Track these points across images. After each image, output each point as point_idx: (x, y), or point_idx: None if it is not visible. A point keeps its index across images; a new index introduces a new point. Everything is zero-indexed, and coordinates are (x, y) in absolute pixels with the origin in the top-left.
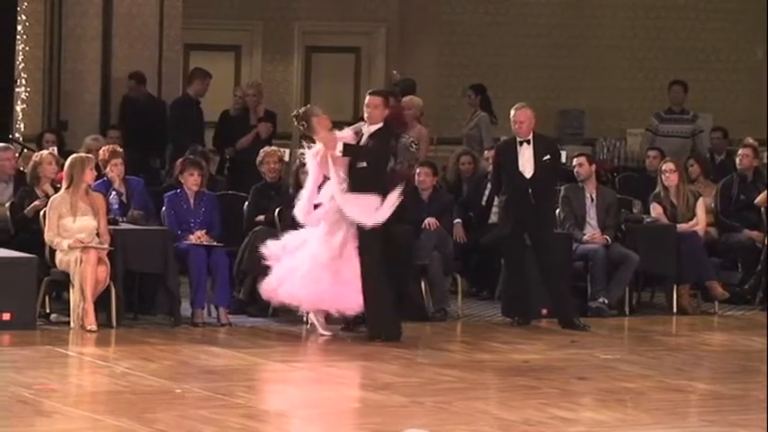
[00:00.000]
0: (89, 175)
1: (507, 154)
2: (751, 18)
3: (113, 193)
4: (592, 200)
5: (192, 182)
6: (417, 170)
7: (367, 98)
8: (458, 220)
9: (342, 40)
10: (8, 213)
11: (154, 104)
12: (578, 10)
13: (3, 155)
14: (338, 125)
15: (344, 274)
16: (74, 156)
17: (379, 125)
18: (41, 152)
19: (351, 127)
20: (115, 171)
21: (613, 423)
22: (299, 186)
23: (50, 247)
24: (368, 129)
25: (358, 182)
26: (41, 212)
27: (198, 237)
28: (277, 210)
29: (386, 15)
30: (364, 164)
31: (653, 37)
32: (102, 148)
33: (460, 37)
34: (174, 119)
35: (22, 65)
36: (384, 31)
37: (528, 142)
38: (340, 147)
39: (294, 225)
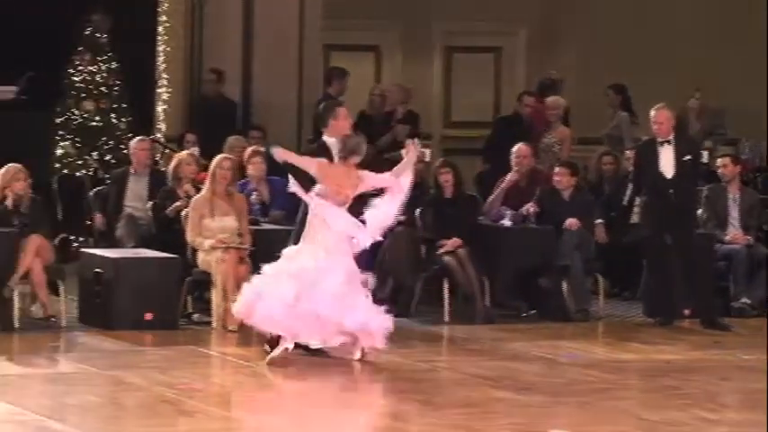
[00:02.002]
0: (227, 175)
1: (648, 154)
2: None
3: (254, 193)
4: (734, 200)
5: None
6: (555, 170)
7: (339, 109)
8: (600, 221)
9: (482, 40)
10: (150, 213)
11: (226, 104)
12: (721, 9)
13: (139, 145)
14: (477, 126)
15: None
16: (219, 156)
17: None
18: (182, 152)
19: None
20: (256, 171)
21: (757, 425)
22: (439, 187)
23: (192, 248)
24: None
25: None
26: (183, 213)
27: None
28: (418, 210)
29: (527, 15)
30: None
31: None
32: (249, 149)
33: (602, 36)
34: (317, 121)
35: (164, 65)
36: (525, 30)
37: (668, 142)
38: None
39: (435, 226)
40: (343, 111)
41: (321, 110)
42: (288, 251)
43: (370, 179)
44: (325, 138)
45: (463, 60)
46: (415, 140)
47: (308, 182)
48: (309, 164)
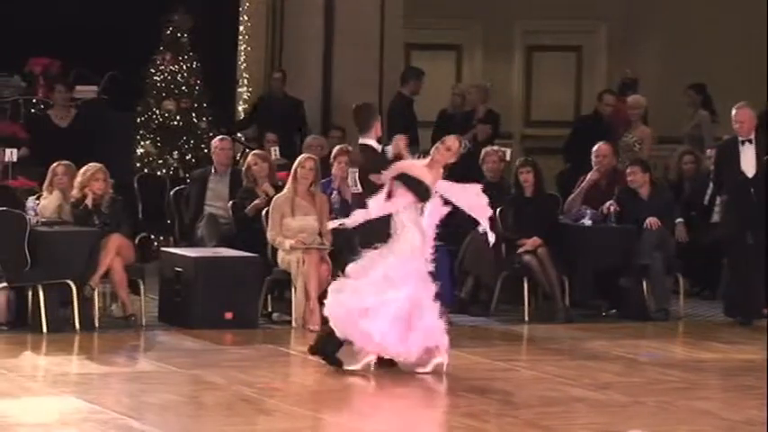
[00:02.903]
0: (309, 175)
1: (728, 153)
2: None
3: (335, 192)
4: None
5: None
6: (628, 170)
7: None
8: (680, 220)
9: (562, 39)
10: (231, 213)
11: (292, 103)
12: None
13: (220, 144)
14: (558, 125)
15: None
16: (302, 155)
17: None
18: (253, 152)
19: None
20: (340, 170)
21: None
22: (519, 186)
23: (273, 247)
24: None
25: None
26: (264, 212)
27: None
28: (498, 209)
29: (608, 13)
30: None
31: None
32: (336, 148)
33: (682, 35)
34: (389, 119)
35: (244, 65)
36: (606, 29)
37: (749, 141)
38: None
39: (515, 225)
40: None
41: (366, 113)
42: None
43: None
44: (368, 141)
45: (544, 59)
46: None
47: (424, 192)
48: (424, 173)
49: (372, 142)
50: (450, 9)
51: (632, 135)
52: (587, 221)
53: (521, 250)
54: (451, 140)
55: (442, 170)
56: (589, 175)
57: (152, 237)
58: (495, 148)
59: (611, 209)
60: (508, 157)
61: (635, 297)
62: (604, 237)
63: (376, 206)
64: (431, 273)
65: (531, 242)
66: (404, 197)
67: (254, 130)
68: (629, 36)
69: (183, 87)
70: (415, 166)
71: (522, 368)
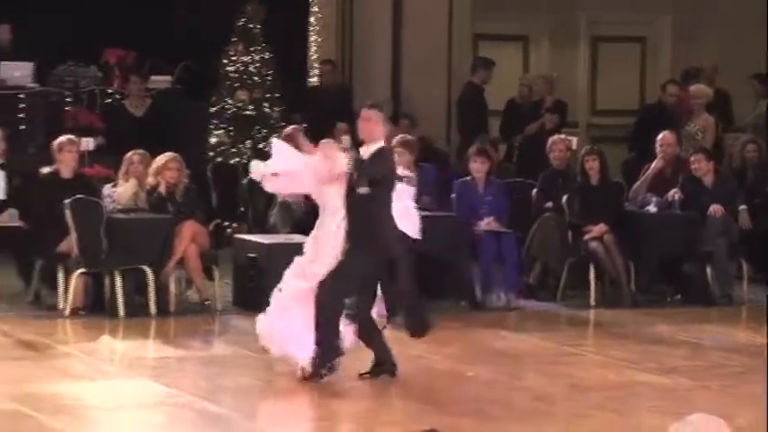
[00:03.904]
0: None
1: None
2: None
3: (407, 178)
4: None
5: (477, 169)
6: (692, 158)
7: (362, 111)
8: (743, 207)
9: (627, 29)
10: (303, 200)
11: (342, 92)
12: None
13: (290, 134)
14: (623, 114)
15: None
16: None
17: (380, 144)
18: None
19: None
20: (402, 159)
21: None
22: (585, 174)
23: None
24: (366, 149)
25: (359, 210)
26: None
27: (487, 223)
28: (565, 197)
29: (672, 4)
30: (367, 190)
31: None
32: (395, 138)
33: (745, 26)
34: (460, 108)
35: (315, 56)
36: (670, 20)
37: None
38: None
39: (582, 212)
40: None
41: None
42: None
43: None
44: None
45: (608, 50)
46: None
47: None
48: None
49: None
50: (517, 1)
51: (695, 124)
52: (652, 209)
53: (587, 237)
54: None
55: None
56: (654, 164)
57: (226, 224)
58: (562, 136)
59: (676, 196)
60: (574, 146)
61: (699, 283)
62: (669, 224)
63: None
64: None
65: (598, 229)
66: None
67: (301, 118)
68: (692, 27)
69: (256, 77)
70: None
71: (589, 352)
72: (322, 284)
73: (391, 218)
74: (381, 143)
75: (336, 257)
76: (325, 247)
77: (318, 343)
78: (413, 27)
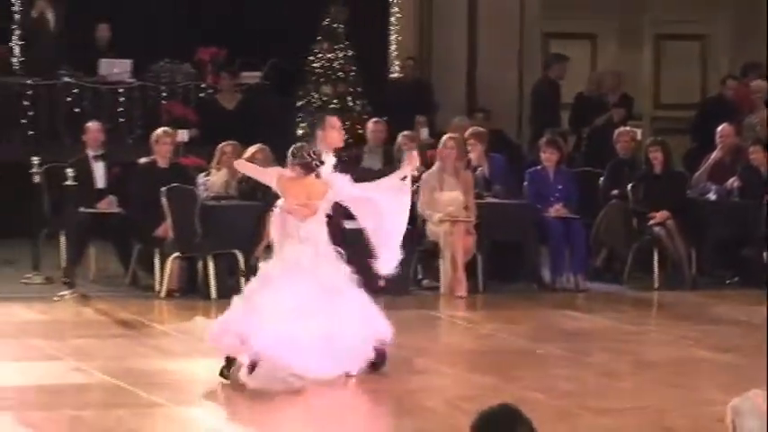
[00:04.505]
0: (451, 153)
1: None
2: None
3: (479, 169)
4: None
5: (547, 159)
6: (750, 149)
7: (328, 119)
8: None
9: (689, 28)
10: None
11: (421, 87)
12: None
13: (374, 126)
14: (685, 107)
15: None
16: (445, 135)
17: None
18: (403, 133)
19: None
20: (475, 150)
21: None
22: (649, 163)
23: (423, 219)
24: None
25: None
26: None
27: (557, 210)
28: (630, 185)
29: (731, 3)
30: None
31: None
32: (468, 130)
33: None
34: (534, 101)
35: (396, 53)
36: (729, 18)
37: None
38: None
39: (646, 199)
40: (332, 121)
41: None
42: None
43: (342, 187)
44: None
45: (671, 47)
46: (414, 153)
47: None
48: (269, 176)
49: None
50: (585, 2)
51: (755, 116)
52: (712, 196)
53: (651, 223)
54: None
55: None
56: (714, 154)
57: None
58: (628, 128)
59: (735, 184)
60: (639, 137)
61: (756, 266)
62: (728, 210)
63: None
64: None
65: (661, 215)
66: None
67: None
68: (752, 25)
69: (339, 73)
70: (265, 171)
71: (652, 331)
72: None
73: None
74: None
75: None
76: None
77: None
78: (487, 26)
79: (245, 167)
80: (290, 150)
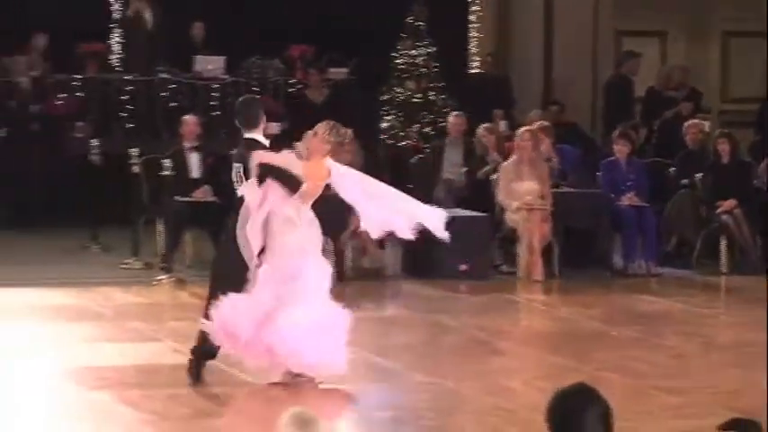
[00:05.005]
0: (527, 145)
1: None
2: None
3: (554, 160)
4: None
5: (620, 150)
6: None
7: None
8: None
9: (755, 25)
10: (464, 178)
11: (500, 82)
12: None
13: (455, 120)
14: (751, 101)
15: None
16: (521, 128)
17: None
18: (483, 125)
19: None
20: (543, 143)
21: None
22: (717, 154)
23: (501, 207)
24: None
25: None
26: (493, 177)
27: (629, 198)
28: (699, 175)
29: None
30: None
31: None
32: (535, 124)
33: None
34: (607, 95)
35: (476, 50)
36: None
37: None
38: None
39: (714, 188)
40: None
41: (254, 107)
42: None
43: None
44: (254, 135)
45: (739, 43)
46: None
47: (295, 184)
48: (293, 161)
49: (259, 137)
50: (656, 1)
51: None
52: None
53: (719, 211)
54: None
55: (325, 159)
56: None
57: None
58: (696, 121)
59: None
60: (707, 129)
61: None
62: None
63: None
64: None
65: (728, 204)
66: (275, 190)
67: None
68: None
69: (422, 69)
70: (282, 157)
71: (721, 314)
72: None
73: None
74: None
75: None
76: None
77: None
78: (562, 24)
79: (266, 158)
80: (323, 127)
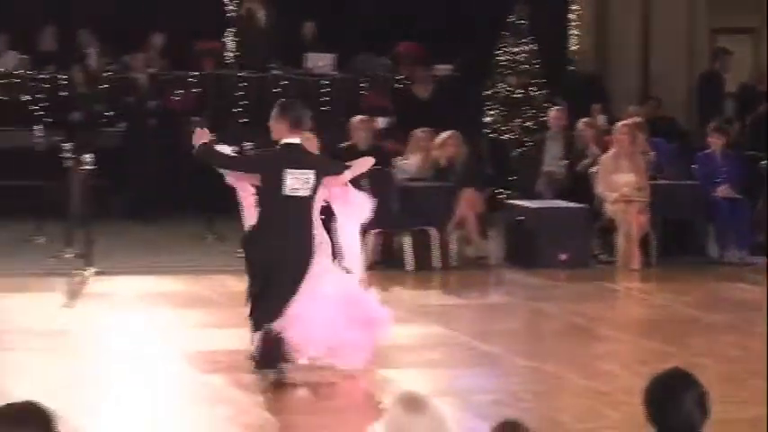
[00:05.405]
0: (624, 139)
1: None
2: None
3: (650, 153)
4: None
5: (714, 143)
6: None
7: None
8: None
9: None
10: (564, 170)
11: (597, 77)
12: None
13: (555, 114)
14: None
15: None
16: (619, 123)
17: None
18: (583, 119)
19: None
20: (638, 138)
21: None
22: None
23: (600, 199)
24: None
25: None
26: (592, 169)
27: (723, 190)
28: None
29: None
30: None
31: None
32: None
33: None
34: (700, 91)
35: (576, 47)
36: None
37: None
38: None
39: None
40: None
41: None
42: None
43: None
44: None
45: None
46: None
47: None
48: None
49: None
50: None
51: None
52: None
53: None
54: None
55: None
56: None
57: (499, 190)
58: None
59: None
60: None
61: None
62: None
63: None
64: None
65: None
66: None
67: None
68: None
69: (524, 66)
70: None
71: None
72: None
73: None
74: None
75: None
76: None
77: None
78: (658, 22)
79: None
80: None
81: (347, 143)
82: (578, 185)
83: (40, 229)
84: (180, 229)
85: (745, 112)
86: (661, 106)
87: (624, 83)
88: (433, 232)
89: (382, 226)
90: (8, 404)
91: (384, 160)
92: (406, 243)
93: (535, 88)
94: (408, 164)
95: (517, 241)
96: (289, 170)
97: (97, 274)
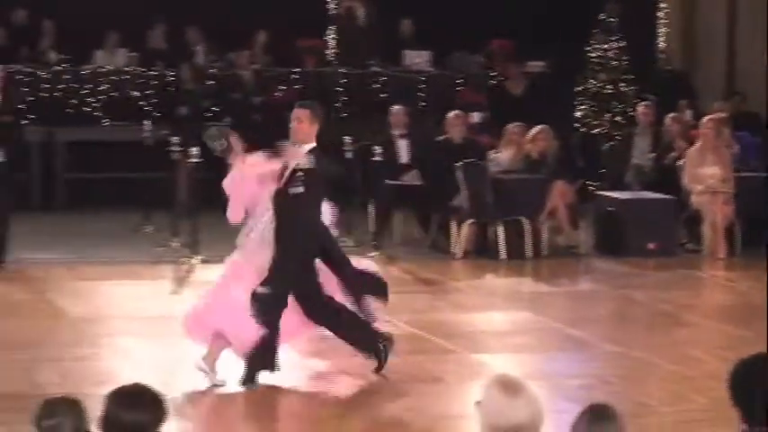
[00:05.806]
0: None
1: None
2: None
3: (735, 147)
4: None
5: None
6: None
7: (294, 110)
8: None
9: None
10: (652, 163)
11: (675, 76)
12: None
13: (644, 109)
14: None
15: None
16: (706, 117)
17: (312, 144)
18: (670, 115)
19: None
20: (721, 134)
21: None
22: None
23: (686, 191)
24: (298, 149)
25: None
26: (679, 162)
27: None
28: None
29: None
30: (301, 189)
31: None
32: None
33: None
34: None
35: (664, 44)
36: None
37: None
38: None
39: None
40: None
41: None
42: None
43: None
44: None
45: None
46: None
47: None
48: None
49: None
50: None
51: None
52: None
53: None
54: None
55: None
56: None
57: (589, 182)
58: None
59: None
60: None
61: None
62: None
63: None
64: None
65: None
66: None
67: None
68: None
69: (614, 62)
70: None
71: None
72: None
73: (318, 216)
74: (313, 143)
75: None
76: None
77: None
78: (744, 19)
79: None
80: None
81: (443, 137)
82: (665, 178)
83: (148, 219)
84: None
85: None
86: (746, 101)
87: (710, 79)
88: (526, 223)
89: (477, 216)
90: (120, 387)
91: (479, 154)
92: (499, 233)
93: (624, 84)
94: (501, 157)
95: (606, 231)
96: None
97: (203, 262)
